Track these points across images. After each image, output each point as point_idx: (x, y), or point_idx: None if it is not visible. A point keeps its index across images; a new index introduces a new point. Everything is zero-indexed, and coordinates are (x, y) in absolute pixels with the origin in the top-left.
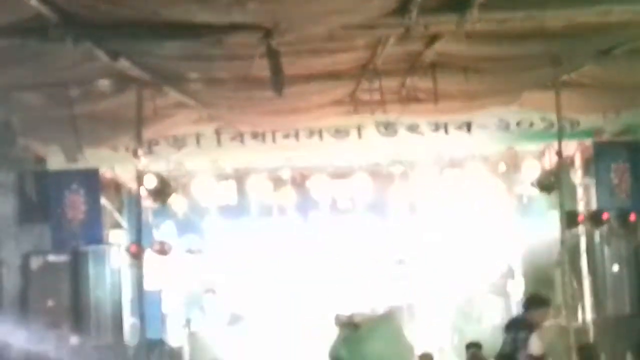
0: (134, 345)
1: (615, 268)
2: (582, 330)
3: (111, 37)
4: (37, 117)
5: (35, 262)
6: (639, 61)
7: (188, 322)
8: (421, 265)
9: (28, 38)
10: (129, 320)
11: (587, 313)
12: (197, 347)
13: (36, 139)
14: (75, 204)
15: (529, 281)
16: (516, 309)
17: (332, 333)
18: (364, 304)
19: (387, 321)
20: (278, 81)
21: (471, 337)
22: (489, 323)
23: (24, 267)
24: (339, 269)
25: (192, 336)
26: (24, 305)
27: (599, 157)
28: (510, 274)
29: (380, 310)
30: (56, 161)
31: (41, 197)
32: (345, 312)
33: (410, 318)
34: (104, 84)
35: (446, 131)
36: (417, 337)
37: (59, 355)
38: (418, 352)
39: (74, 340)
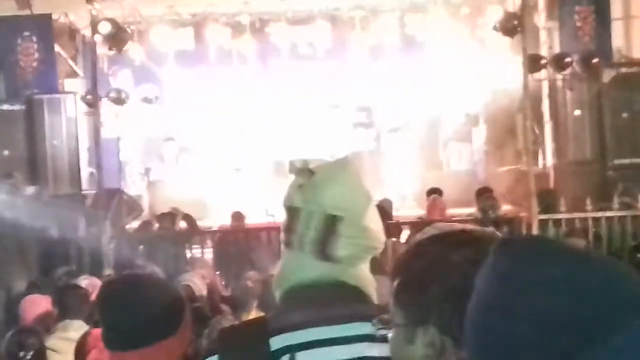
0: (91, 194)
1: (577, 113)
2: (542, 175)
3: None
4: None
5: None
6: None
7: (147, 171)
8: (384, 111)
9: None
10: (86, 170)
11: (547, 158)
12: (156, 196)
13: None
14: (28, 51)
15: (491, 127)
16: (478, 156)
17: (288, 180)
18: (326, 151)
19: (343, 168)
20: None
21: (433, 183)
22: (453, 169)
23: None
24: (300, 116)
25: (151, 185)
26: None
27: (565, 2)
28: (475, 121)
29: (339, 156)
30: (6, 7)
31: None
32: (300, 158)
33: (372, 164)
34: None
35: None
36: (379, 183)
37: (15, 205)
38: (378, 198)
39: (30, 190)
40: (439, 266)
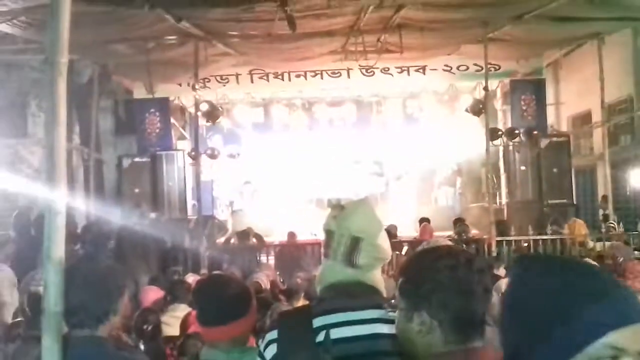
0: (193, 218)
1: (523, 168)
2: (499, 211)
3: (176, 5)
4: (125, 62)
5: (126, 162)
6: (541, 24)
7: (231, 203)
8: (391, 165)
9: (119, 5)
10: (190, 202)
11: (503, 199)
12: (237, 220)
13: (125, 77)
14: (153, 122)
15: (465, 177)
16: (455, 196)
17: (326, 212)
18: (351, 191)
19: (363, 204)
20: (293, 33)
21: (424, 214)
22: (439, 205)
23: (119, 166)
24: (335, 168)
25: (234, 213)
26: (119, 192)
27: (513, 91)
28: (459, 172)
29: (361, 196)
30: (140, 92)
31: (129, 118)
32: (335, 197)
33: (382, 202)
34: (171, 38)
35: (408, 73)
36: (387, 215)
37: (142, 226)
38: (386, 224)
39: (152, 215)
40: (429, 271)
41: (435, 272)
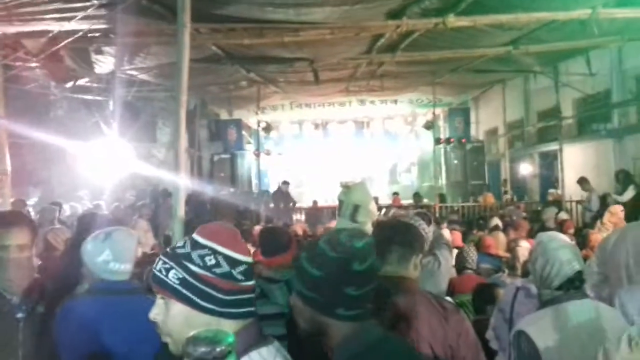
0: (255, 192)
1: (455, 162)
2: (440, 187)
3: (247, 63)
4: (216, 97)
5: (216, 157)
6: (468, 74)
7: (278, 182)
8: (375, 160)
9: (210, 63)
10: (254, 182)
11: (443, 180)
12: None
13: (215, 106)
14: (232, 134)
15: (419, 167)
16: (414, 178)
17: (338, 188)
18: (354, 176)
19: (361, 184)
20: (317, 80)
21: (395, 189)
22: (403, 184)
23: (211, 160)
24: (342, 162)
25: (278, 188)
26: (211, 176)
27: (451, 115)
28: (413, 164)
29: (359, 179)
30: (224, 115)
31: (218, 130)
32: (344, 180)
33: (371, 182)
34: (243, 83)
35: (386, 103)
36: (373, 190)
37: (225, 196)
38: (373, 196)
39: (232, 189)
40: (386, 228)
41: (388, 229)
